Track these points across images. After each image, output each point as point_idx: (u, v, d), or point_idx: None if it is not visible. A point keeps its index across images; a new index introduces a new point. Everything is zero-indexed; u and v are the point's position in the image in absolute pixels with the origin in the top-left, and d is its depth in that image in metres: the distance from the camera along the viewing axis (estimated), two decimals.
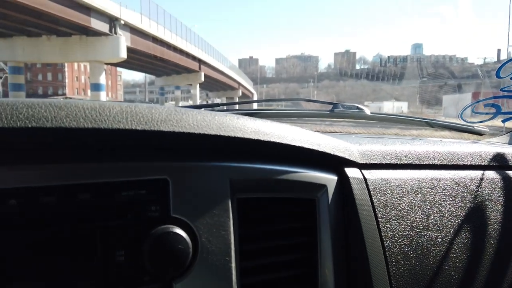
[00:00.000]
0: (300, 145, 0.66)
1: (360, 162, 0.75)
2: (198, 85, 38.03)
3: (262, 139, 0.62)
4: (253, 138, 0.61)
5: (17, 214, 0.48)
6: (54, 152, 0.52)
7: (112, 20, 24.02)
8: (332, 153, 0.71)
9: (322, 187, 0.69)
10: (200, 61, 34.67)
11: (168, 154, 0.58)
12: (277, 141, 0.63)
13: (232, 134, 0.59)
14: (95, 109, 0.51)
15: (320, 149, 0.69)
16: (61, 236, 0.50)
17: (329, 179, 0.71)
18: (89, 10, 22.23)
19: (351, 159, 0.74)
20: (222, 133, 0.58)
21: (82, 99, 0.52)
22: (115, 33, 24.19)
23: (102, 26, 23.61)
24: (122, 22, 24.33)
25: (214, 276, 0.57)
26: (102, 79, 26.10)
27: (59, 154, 0.52)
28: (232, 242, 0.59)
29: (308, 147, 0.67)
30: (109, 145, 0.54)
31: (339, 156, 0.72)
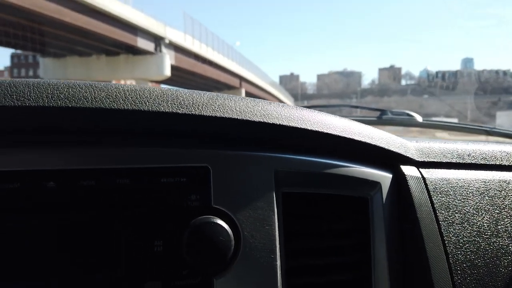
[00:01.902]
0: (350, 137, 0.60)
1: (417, 159, 0.68)
2: None
3: (309, 128, 0.57)
4: (299, 127, 0.56)
5: (56, 196, 0.46)
6: (94, 135, 0.50)
7: (157, 39, 25.02)
8: (386, 147, 0.64)
9: (376, 184, 0.63)
10: (241, 78, 35.21)
11: (209, 141, 0.54)
12: (325, 131, 0.58)
13: (277, 121, 0.55)
14: (135, 91, 0.49)
15: (373, 143, 0.63)
16: (98, 221, 0.47)
17: (383, 176, 0.64)
18: (136, 30, 23.29)
19: (407, 155, 0.67)
20: (266, 120, 0.54)
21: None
22: (160, 51, 25.14)
23: (148, 45, 24.64)
24: (167, 41, 25.28)
25: (257, 274, 0.52)
26: None
27: (98, 138, 0.50)
28: (277, 239, 0.54)
29: (360, 139, 0.61)
30: (149, 129, 0.51)
31: (394, 152, 0.66)
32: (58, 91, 0.46)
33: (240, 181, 0.53)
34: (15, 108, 0.43)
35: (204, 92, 0.54)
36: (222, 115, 0.52)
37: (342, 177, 0.60)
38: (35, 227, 0.45)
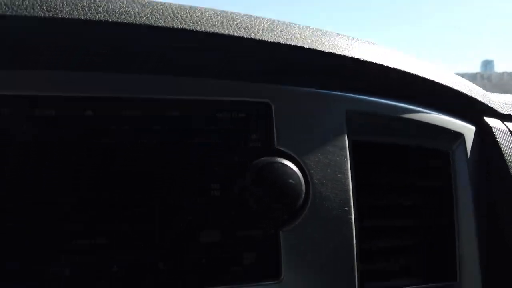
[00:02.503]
0: (430, 78, 0.52)
1: (502, 112, 0.59)
2: None
3: (386, 64, 0.49)
4: (374, 62, 0.48)
5: (95, 128, 0.40)
6: (138, 58, 0.44)
7: None
8: (469, 94, 0.56)
9: (459, 136, 0.54)
10: None
11: (272, 75, 0.47)
12: (403, 70, 0.50)
13: (349, 54, 0.47)
14: (184, 10, 0.42)
15: (457, 88, 0.54)
16: (149, 156, 0.41)
17: (467, 128, 0.56)
18: None
19: (492, 106, 0.58)
20: (337, 52, 0.47)
21: None
22: None
23: None
24: None
25: (329, 228, 0.44)
26: None
27: (143, 62, 0.44)
28: (351, 189, 0.46)
29: (443, 83, 0.53)
30: (201, 55, 0.45)
31: (479, 101, 0.57)
32: (95, 4, 0.39)
33: (306, 121, 0.46)
34: (45, 19, 0.37)
35: (262, 17, 0.47)
36: (286, 41, 0.45)
37: (420, 124, 0.52)
38: (76, 159, 0.39)
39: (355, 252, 0.45)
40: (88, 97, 0.40)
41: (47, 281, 0.37)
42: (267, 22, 0.45)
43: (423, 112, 0.52)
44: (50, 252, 0.37)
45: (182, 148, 0.42)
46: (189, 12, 0.42)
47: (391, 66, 0.49)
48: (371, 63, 0.48)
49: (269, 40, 0.44)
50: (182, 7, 0.42)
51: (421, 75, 0.51)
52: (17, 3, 0.36)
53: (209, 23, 0.42)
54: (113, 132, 0.40)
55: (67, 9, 0.37)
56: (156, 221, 0.40)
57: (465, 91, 0.55)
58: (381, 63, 0.49)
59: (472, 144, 0.55)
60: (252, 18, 0.45)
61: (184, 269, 0.40)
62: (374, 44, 0.51)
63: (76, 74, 0.41)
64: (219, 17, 0.43)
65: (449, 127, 0.54)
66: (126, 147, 0.40)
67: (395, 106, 0.51)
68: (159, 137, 0.41)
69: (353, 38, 0.50)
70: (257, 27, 0.44)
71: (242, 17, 0.45)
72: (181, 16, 0.41)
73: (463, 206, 0.53)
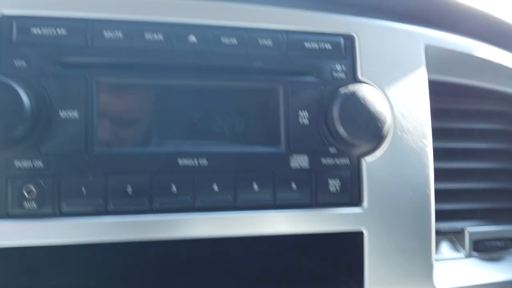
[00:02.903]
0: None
1: None
2: None
3: (467, 3, 0.49)
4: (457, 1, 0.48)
5: (196, 55, 0.41)
6: None
7: None
8: None
9: None
10: None
11: (355, 8, 0.47)
12: (480, 10, 0.50)
13: None
14: None
15: None
16: (240, 88, 0.42)
17: None
18: None
19: None
20: None
21: None
22: None
23: None
24: None
25: (409, 161, 0.45)
26: None
27: None
28: (429, 123, 0.47)
29: None
30: None
31: None
32: None
33: (388, 53, 0.46)
34: None
35: None
36: None
37: (498, 66, 0.52)
38: (183, 90, 0.41)
39: (431, 186, 0.46)
40: (190, 23, 0.41)
41: None
42: None
43: (502, 54, 0.52)
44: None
45: (274, 75, 0.43)
46: None
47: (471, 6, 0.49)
48: (453, 2, 0.48)
49: None
50: None
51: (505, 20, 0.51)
52: None
53: None
54: (213, 56, 0.41)
55: None
56: (248, 143, 0.42)
57: None
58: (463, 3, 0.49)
59: None
60: None
61: (272, 192, 0.42)
62: None
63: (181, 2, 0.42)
64: None
65: None
66: (225, 69, 0.41)
67: (476, 44, 0.51)
68: (254, 61, 0.42)
69: None
70: None
71: None
72: None
73: None
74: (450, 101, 0.53)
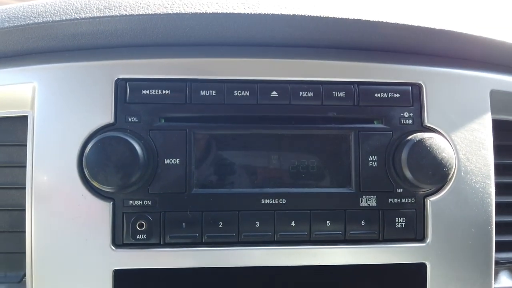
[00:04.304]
0: None
1: None
2: None
3: None
4: None
5: (278, 107, 0.47)
6: (314, 48, 0.49)
7: None
8: None
9: None
10: None
11: (422, 58, 0.51)
12: None
13: (496, 38, 0.50)
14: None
15: None
16: (316, 136, 0.47)
17: None
18: None
19: None
20: (486, 36, 0.49)
21: None
22: None
23: None
24: None
25: (472, 201, 0.49)
26: None
27: (317, 50, 0.49)
28: (492, 164, 0.50)
29: None
30: (364, 44, 0.50)
31: None
32: (283, 2, 0.46)
33: (453, 100, 0.49)
34: (250, 16, 0.44)
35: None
36: (436, 27, 0.48)
37: None
38: (267, 138, 0.47)
39: (493, 223, 0.49)
40: (272, 80, 0.47)
41: None
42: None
43: None
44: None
45: (347, 123, 0.48)
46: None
47: None
48: None
49: (423, 26, 0.47)
50: None
51: None
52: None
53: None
54: (291, 108, 0.47)
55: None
56: (322, 184, 0.47)
57: None
58: None
59: None
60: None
61: (343, 229, 0.47)
62: None
63: (259, 61, 0.47)
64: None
65: None
66: (302, 119, 0.47)
67: None
68: (328, 111, 0.47)
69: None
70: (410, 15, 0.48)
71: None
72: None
73: None
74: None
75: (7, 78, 0.47)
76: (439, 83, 0.49)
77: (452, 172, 0.46)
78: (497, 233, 0.51)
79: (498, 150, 0.53)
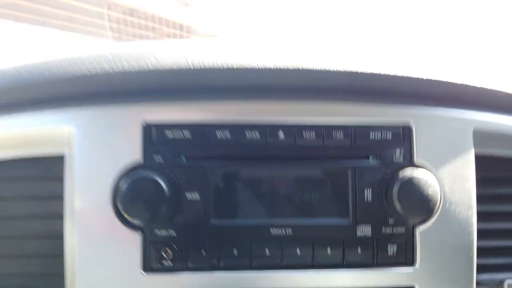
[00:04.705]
0: None
1: None
2: None
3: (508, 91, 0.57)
4: (503, 91, 0.57)
5: (284, 147, 0.53)
6: (316, 92, 0.56)
7: None
8: None
9: None
10: None
11: (411, 98, 0.57)
12: None
13: (476, 84, 0.56)
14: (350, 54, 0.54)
15: None
16: (318, 172, 0.54)
17: None
18: None
19: None
20: (468, 83, 0.56)
21: None
22: None
23: None
24: None
25: (456, 229, 0.55)
26: None
27: (319, 95, 0.56)
28: (474, 197, 0.56)
29: None
30: (360, 88, 0.56)
31: None
32: (289, 54, 0.52)
33: (439, 138, 0.56)
34: (261, 70, 0.51)
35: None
36: (427, 77, 0.54)
37: None
38: (275, 175, 0.53)
39: (474, 249, 0.55)
40: (279, 123, 0.53)
41: None
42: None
43: None
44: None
45: (345, 160, 0.54)
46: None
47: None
48: (497, 91, 0.57)
49: (411, 76, 0.54)
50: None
51: None
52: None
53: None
54: (298, 148, 0.53)
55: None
56: (324, 216, 0.54)
57: None
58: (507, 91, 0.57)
59: None
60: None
61: (342, 255, 0.54)
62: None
63: (269, 105, 0.54)
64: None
65: None
66: (306, 157, 0.54)
67: None
68: (328, 150, 0.54)
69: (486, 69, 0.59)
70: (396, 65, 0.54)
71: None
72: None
73: None
74: (496, 169, 0.61)
75: (47, 120, 0.53)
76: (426, 124, 0.56)
77: (437, 206, 0.53)
78: (479, 256, 0.57)
79: (483, 181, 0.59)
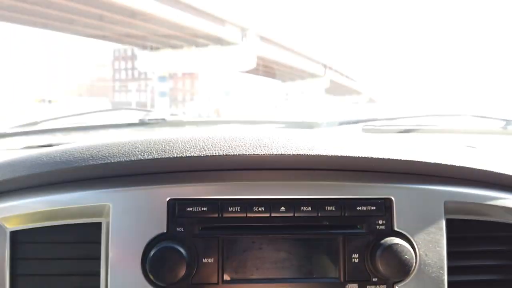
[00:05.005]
0: (509, 173, 0.70)
1: None
2: (323, 90, 38.05)
3: (478, 168, 0.68)
4: (468, 167, 0.68)
5: (285, 218, 0.64)
6: (311, 172, 0.66)
7: (243, 30, 25.66)
8: None
9: None
10: (325, 66, 34.68)
11: (391, 176, 0.68)
12: (491, 170, 0.69)
13: (447, 162, 0.67)
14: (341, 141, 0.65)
15: None
16: (313, 238, 0.64)
17: None
18: (224, 22, 24.11)
19: None
20: (441, 162, 0.67)
21: None
22: (246, 42, 25.77)
23: (235, 36, 25.37)
24: (253, 32, 25.79)
25: (429, 285, 0.66)
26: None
27: (313, 174, 0.66)
28: (445, 258, 0.67)
29: None
30: (348, 168, 0.67)
31: None
32: (288, 142, 0.63)
33: (416, 210, 0.66)
34: (264, 156, 0.62)
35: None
36: (405, 158, 0.65)
37: (502, 207, 0.70)
38: (277, 241, 0.64)
39: None
40: (281, 198, 0.64)
41: None
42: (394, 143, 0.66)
43: (501, 198, 0.70)
44: None
45: (336, 229, 0.65)
46: (344, 142, 0.64)
47: (479, 168, 0.68)
48: (464, 168, 0.67)
49: (394, 158, 0.65)
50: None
51: (507, 172, 0.69)
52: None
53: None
54: (295, 219, 0.64)
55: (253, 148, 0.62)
56: (318, 275, 0.64)
57: None
58: (471, 167, 0.68)
59: None
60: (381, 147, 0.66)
61: None
62: (472, 150, 0.70)
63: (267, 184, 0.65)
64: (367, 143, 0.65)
65: None
66: (303, 227, 0.64)
67: (483, 195, 0.69)
68: (322, 220, 0.65)
69: (452, 148, 0.69)
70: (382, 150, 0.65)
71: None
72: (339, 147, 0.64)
73: None
74: (466, 229, 0.72)
75: (89, 198, 0.64)
76: (405, 197, 0.67)
77: (412, 268, 0.63)
78: None
79: (456, 240, 0.69)
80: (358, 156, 0.64)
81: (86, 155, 0.63)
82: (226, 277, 0.63)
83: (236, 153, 0.62)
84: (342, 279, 0.64)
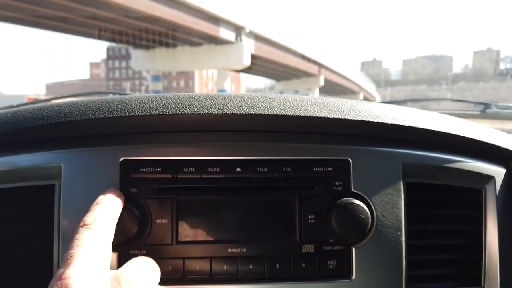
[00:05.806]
0: (469, 136, 0.70)
1: None
2: (317, 89, 38.10)
3: (434, 129, 0.68)
4: (424, 128, 0.67)
5: (241, 179, 0.63)
6: (268, 134, 0.66)
7: (238, 29, 25.64)
8: (501, 145, 0.72)
9: (490, 178, 0.72)
10: (319, 65, 34.73)
11: (350, 138, 0.67)
12: (448, 132, 0.69)
13: (405, 123, 0.67)
14: (296, 101, 0.64)
15: (488, 141, 0.71)
16: (270, 200, 0.64)
17: (497, 171, 0.73)
18: (218, 21, 24.08)
19: None
20: (397, 123, 0.66)
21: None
22: (240, 40, 25.75)
23: (229, 35, 25.35)
24: (247, 30, 25.78)
25: (386, 247, 0.65)
26: (227, 85, 28.05)
27: (270, 136, 0.66)
28: (403, 220, 0.66)
29: (477, 138, 0.70)
30: (306, 129, 0.66)
31: (508, 149, 0.73)
32: (244, 102, 0.62)
33: (374, 171, 0.66)
34: (219, 115, 0.61)
35: (347, 99, 0.67)
36: (361, 118, 0.65)
37: (459, 170, 0.70)
38: (232, 203, 0.63)
39: (404, 262, 0.66)
40: (237, 159, 0.63)
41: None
42: (350, 104, 0.66)
43: (461, 161, 0.70)
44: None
45: (292, 190, 0.64)
46: (299, 102, 0.64)
47: (437, 130, 0.68)
48: (421, 129, 0.67)
49: (350, 118, 0.65)
50: (295, 99, 0.64)
51: (460, 134, 0.69)
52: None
53: (312, 109, 0.64)
54: (251, 180, 0.63)
55: (229, 107, 0.61)
56: (275, 234, 0.64)
57: (496, 142, 0.72)
58: (429, 128, 0.67)
59: (501, 183, 0.72)
60: (339, 102, 0.65)
61: (289, 269, 0.63)
62: (426, 112, 0.70)
63: (228, 145, 0.64)
64: (318, 104, 0.64)
65: (482, 172, 0.71)
66: (259, 188, 0.64)
67: (439, 157, 0.69)
68: (278, 182, 0.64)
69: (411, 110, 0.69)
70: (343, 109, 0.65)
71: (333, 102, 0.65)
72: (294, 106, 0.63)
73: (491, 231, 0.71)
74: (426, 194, 0.72)
75: (39, 159, 0.63)
76: (362, 158, 0.66)
77: (368, 228, 0.63)
78: (410, 268, 0.67)
79: (416, 204, 0.69)
80: (314, 116, 0.63)
81: (37, 115, 0.62)
82: (180, 238, 0.62)
83: (189, 112, 0.61)
84: (298, 240, 0.64)
